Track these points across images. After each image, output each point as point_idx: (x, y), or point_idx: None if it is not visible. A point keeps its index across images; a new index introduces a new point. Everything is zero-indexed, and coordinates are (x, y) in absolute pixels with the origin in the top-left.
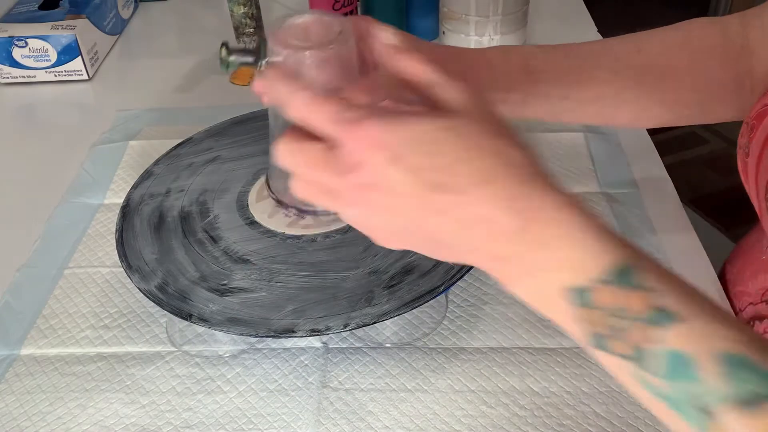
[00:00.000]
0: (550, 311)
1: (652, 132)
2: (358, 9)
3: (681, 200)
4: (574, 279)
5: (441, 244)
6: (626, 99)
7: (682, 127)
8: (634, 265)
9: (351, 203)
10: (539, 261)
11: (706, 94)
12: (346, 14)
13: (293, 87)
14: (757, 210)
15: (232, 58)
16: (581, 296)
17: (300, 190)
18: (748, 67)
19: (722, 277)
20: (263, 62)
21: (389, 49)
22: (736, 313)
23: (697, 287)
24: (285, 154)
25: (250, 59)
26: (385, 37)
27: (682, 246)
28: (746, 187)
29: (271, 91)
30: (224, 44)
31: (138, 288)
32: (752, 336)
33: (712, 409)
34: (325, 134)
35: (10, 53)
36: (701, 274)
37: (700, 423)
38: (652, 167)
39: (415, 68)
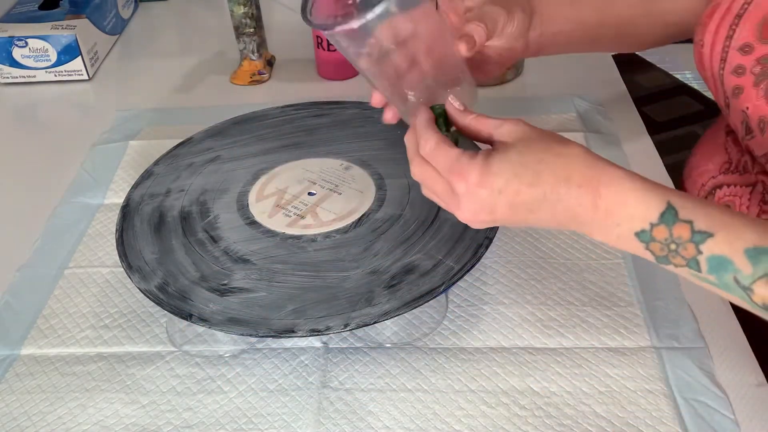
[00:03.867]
0: (626, 248)
1: (652, 132)
2: None
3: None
4: (637, 226)
5: (535, 226)
6: (638, 26)
7: (682, 127)
8: (674, 205)
9: (465, 214)
10: (611, 222)
11: (689, 14)
12: None
13: (414, 146)
14: (713, 92)
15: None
16: (645, 236)
17: (427, 195)
18: None
19: (686, 165)
20: None
21: (458, 113)
22: (699, 188)
23: (719, 206)
24: (420, 175)
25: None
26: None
27: None
28: (703, 76)
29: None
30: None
31: (138, 288)
32: (763, 230)
33: (750, 286)
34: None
35: (10, 53)
36: None
37: (743, 295)
38: (652, 167)
39: (478, 125)
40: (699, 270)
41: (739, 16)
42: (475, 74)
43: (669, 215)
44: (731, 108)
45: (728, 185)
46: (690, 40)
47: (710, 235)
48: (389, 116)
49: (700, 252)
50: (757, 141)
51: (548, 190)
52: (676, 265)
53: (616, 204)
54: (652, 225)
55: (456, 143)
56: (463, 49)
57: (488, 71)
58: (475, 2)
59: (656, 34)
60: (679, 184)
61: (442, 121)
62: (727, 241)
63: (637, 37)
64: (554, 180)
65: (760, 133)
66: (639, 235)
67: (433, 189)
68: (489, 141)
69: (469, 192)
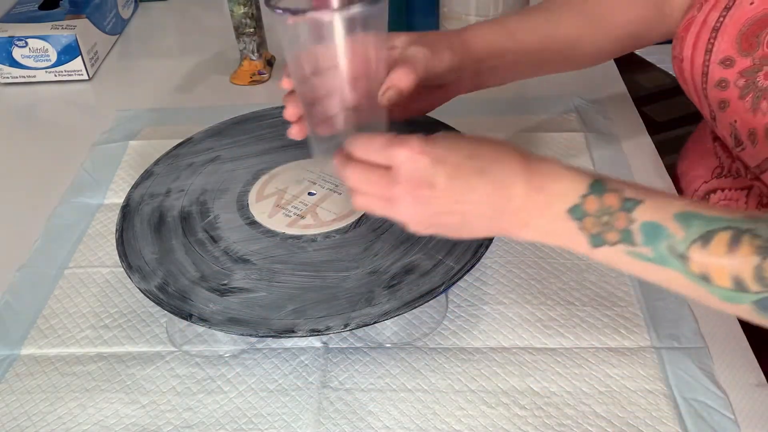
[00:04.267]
0: (560, 236)
1: (652, 132)
2: None
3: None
4: (569, 201)
5: (470, 222)
6: (586, 42)
7: (682, 127)
8: (600, 178)
9: (403, 202)
10: (543, 200)
11: (639, 24)
12: None
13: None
14: (697, 105)
15: None
16: (577, 211)
17: (362, 202)
18: None
19: (675, 172)
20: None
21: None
22: (692, 194)
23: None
24: (353, 179)
25: None
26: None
27: None
28: (685, 89)
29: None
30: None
31: (138, 288)
32: (693, 201)
33: (685, 253)
34: (380, 159)
35: (10, 53)
36: None
37: (680, 266)
38: (652, 167)
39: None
40: (633, 242)
41: (716, 30)
42: (409, 108)
43: (598, 186)
44: (718, 121)
45: (722, 189)
46: None
47: (640, 201)
48: (296, 131)
49: (632, 220)
50: (749, 152)
51: (486, 164)
52: (610, 243)
53: (549, 180)
54: (583, 197)
55: None
56: (384, 102)
57: (420, 109)
58: (400, 42)
59: (608, 50)
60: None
61: None
62: (657, 207)
63: (586, 55)
64: (492, 155)
65: (751, 144)
66: (572, 211)
67: (368, 183)
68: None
69: (409, 159)
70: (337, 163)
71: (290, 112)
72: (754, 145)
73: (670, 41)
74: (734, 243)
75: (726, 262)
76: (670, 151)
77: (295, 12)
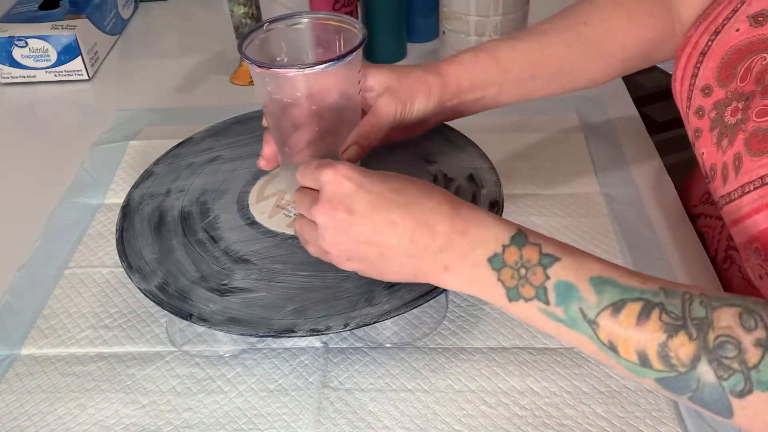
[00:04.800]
0: (479, 284)
1: (652, 132)
2: (358, 9)
3: (681, 200)
4: (491, 249)
5: (390, 256)
6: (581, 66)
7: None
8: (522, 230)
9: (324, 227)
10: (466, 244)
11: (645, 45)
12: (345, 14)
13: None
14: (686, 126)
15: None
16: (497, 260)
17: (297, 227)
18: (677, 15)
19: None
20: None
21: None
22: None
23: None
24: (297, 200)
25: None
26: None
27: (681, 245)
28: (679, 107)
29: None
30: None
31: (138, 288)
32: (610, 264)
33: (595, 318)
34: (312, 182)
35: (10, 53)
36: (700, 272)
37: (589, 331)
38: (652, 167)
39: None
40: (547, 301)
41: (703, 54)
42: (388, 138)
43: (519, 237)
44: (696, 148)
45: (705, 216)
46: None
47: (557, 258)
48: (264, 164)
49: (547, 277)
50: (712, 186)
51: (411, 200)
52: (525, 299)
53: (473, 225)
54: (504, 247)
55: None
56: (345, 158)
57: (398, 138)
58: (377, 83)
59: (607, 73)
60: (679, 184)
61: None
62: (573, 267)
63: (580, 80)
64: (417, 193)
65: (712, 179)
66: (491, 260)
67: (300, 205)
68: None
69: (333, 181)
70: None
71: (265, 151)
72: (713, 181)
73: None
74: (643, 316)
75: (632, 335)
76: (670, 151)
77: (261, 65)
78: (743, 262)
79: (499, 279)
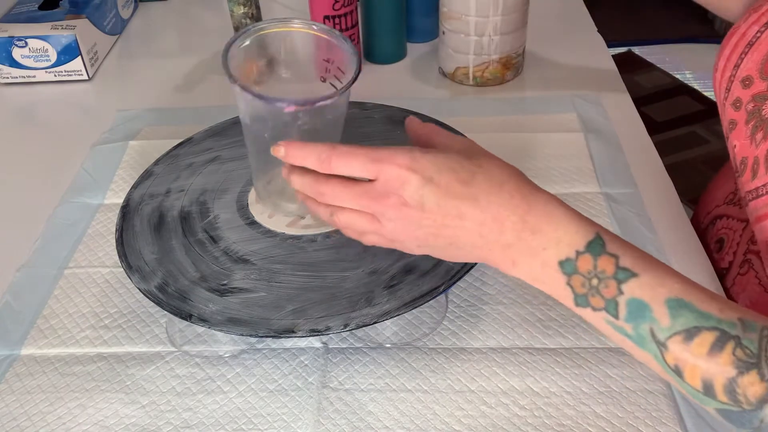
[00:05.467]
0: (546, 284)
1: (652, 132)
2: (358, 9)
3: (681, 200)
4: (564, 253)
5: (459, 246)
6: None
7: (682, 126)
8: (602, 236)
9: (389, 220)
10: (537, 243)
11: None
12: (345, 15)
13: (324, 148)
14: (721, 118)
15: None
16: (568, 266)
17: (345, 219)
18: (725, 7)
19: (699, 200)
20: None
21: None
22: (704, 216)
23: (646, 253)
24: (332, 193)
25: None
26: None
27: (682, 245)
28: (717, 98)
29: (296, 158)
30: None
31: (138, 288)
32: (691, 284)
33: (664, 341)
34: (364, 173)
35: (10, 53)
36: (700, 272)
37: (656, 352)
38: (652, 167)
39: (415, 125)
40: (616, 315)
41: (750, 45)
42: None
43: (596, 245)
44: (728, 141)
45: (726, 217)
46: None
47: (634, 274)
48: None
49: (621, 292)
50: (740, 180)
51: (480, 193)
52: (594, 308)
53: (546, 224)
54: (578, 253)
55: None
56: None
57: None
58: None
59: None
60: (680, 185)
61: None
62: (650, 285)
63: None
64: (488, 185)
65: (742, 173)
66: (563, 264)
67: (351, 197)
68: (428, 142)
69: (397, 177)
70: (298, 178)
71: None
72: (742, 175)
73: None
74: (716, 348)
75: (702, 364)
76: (670, 151)
77: (259, 96)
78: (764, 261)
79: (568, 284)
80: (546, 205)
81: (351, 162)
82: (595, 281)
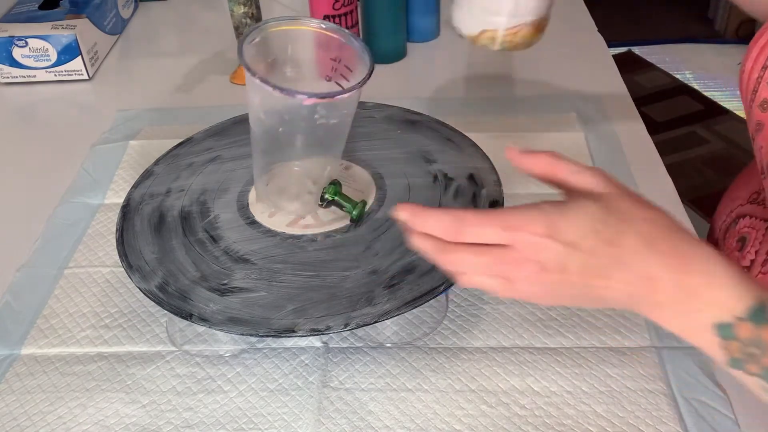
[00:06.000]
0: (697, 341)
1: (652, 132)
2: (358, 9)
3: (681, 200)
4: (721, 317)
5: (603, 301)
6: None
7: (682, 126)
8: (765, 303)
9: (526, 283)
10: (692, 305)
11: None
12: (345, 14)
13: (451, 219)
14: (747, 122)
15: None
16: (725, 330)
17: (475, 282)
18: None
19: (723, 195)
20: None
21: (531, 155)
22: (726, 215)
23: None
24: (462, 263)
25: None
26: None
27: None
28: (743, 99)
29: (422, 227)
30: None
31: (138, 288)
32: None
33: None
34: (498, 242)
35: (10, 53)
36: None
37: None
38: (652, 167)
39: (553, 168)
40: None
41: None
42: None
43: (758, 313)
44: (755, 142)
45: (750, 216)
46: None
47: None
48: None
49: None
50: (766, 182)
51: (628, 254)
52: (747, 371)
53: (705, 286)
54: (738, 319)
55: (356, 219)
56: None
57: None
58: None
59: None
60: (680, 185)
61: (333, 188)
62: None
63: None
64: (636, 243)
65: (767, 174)
66: (719, 328)
67: (483, 266)
68: (562, 186)
69: (534, 245)
70: (422, 243)
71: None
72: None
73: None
74: None
75: None
76: (670, 151)
77: (278, 88)
78: None
79: (723, 347)
80: (706, 263)
81: (483, 231)
82: (753, 350)
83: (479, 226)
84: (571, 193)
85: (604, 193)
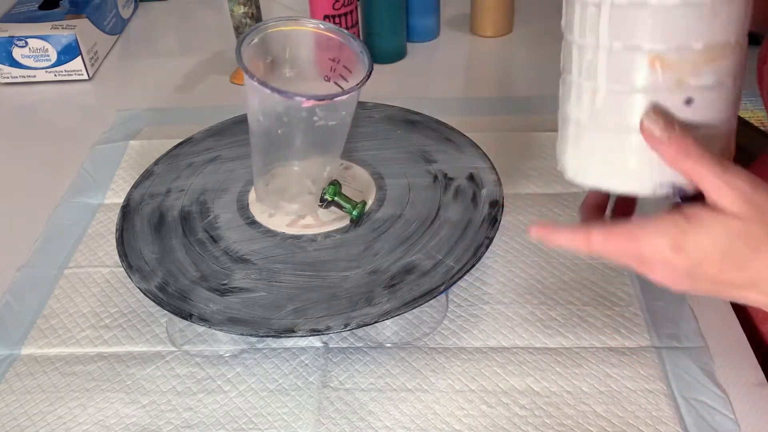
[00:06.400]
0: None
1: None
2: (358, 9)
3: None
4: None
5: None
6: None
7: None
8: None
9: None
10: None
11: None
12: (345, 14)
13: (584, 238)
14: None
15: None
16: None
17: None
18: None
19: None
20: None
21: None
22: None
23: None
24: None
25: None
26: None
27: None
28: (761, 95)
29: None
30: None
31: (138, 288)
32: None
33: None
34: (625, 261)
35: (10, 53)
36: None
37: None
38: None
39: (700, 169)
40: None
41: None
42: None
43: None
44: None
45: None
46: None
47: None
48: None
49: None
50: None
51: (761, 280)
52: None
53: None
54: None
55: (356, 219)
56: None
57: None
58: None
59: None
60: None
61: (333, 188)
62: None
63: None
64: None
65: None
66: None
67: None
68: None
69: (661, 262)
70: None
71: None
72: None
73: None
74: None
75: None
76: None
77: (277, 91)
78: None
79: None
80: None
81: (607, 248)
82: None
83: (604, 250)
84: (710, 207)
85: (742, 215)
